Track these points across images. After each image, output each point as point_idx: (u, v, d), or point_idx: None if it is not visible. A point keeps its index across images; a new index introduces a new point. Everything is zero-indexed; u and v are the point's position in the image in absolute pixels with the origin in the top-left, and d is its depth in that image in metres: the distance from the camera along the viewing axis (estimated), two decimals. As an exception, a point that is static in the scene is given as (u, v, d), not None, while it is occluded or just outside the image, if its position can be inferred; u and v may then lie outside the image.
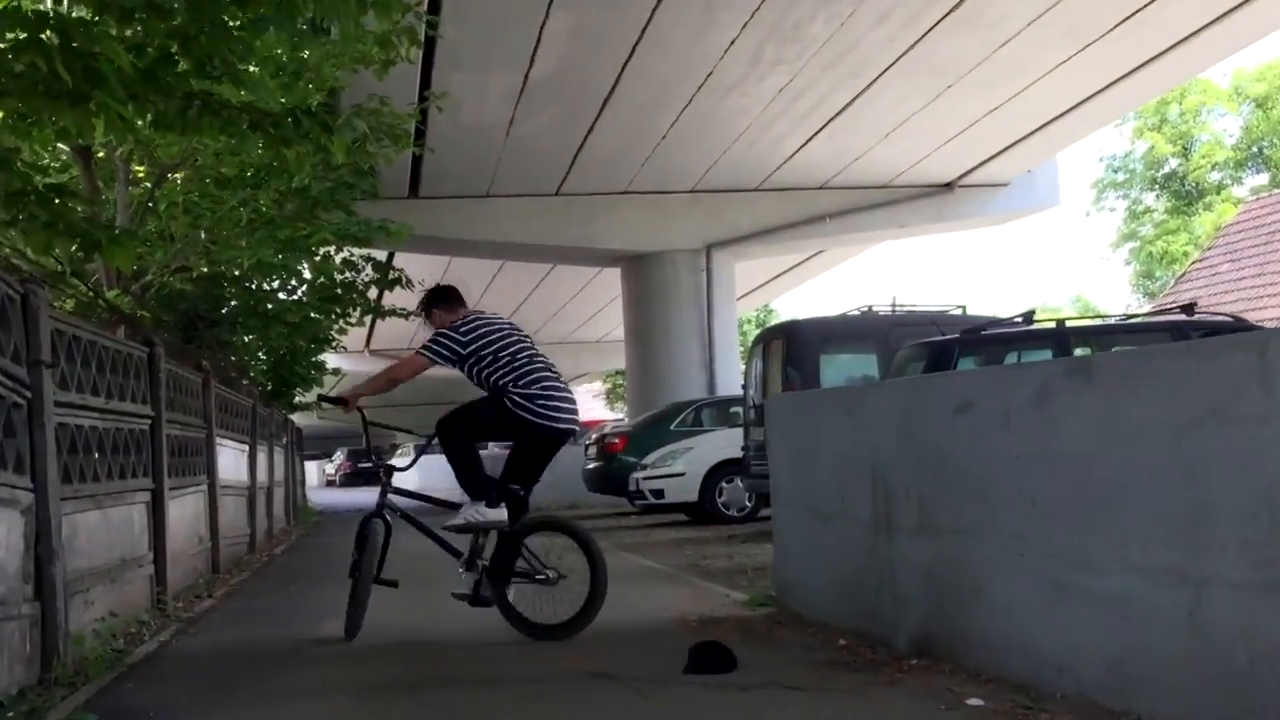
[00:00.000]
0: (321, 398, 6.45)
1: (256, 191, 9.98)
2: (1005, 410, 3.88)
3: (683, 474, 12.69)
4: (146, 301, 10.58)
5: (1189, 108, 34.15)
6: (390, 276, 13.82)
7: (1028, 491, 3.72)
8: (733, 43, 11.90)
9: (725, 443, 12.55)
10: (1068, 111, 14.67)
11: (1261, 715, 2.86)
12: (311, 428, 33.78)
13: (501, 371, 5.34)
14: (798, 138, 15.21)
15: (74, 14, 4.87)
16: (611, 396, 43.42)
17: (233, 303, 13.08)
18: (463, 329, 5.43)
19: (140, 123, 5.16)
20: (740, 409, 13.03)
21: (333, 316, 13.82)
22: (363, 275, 13.58)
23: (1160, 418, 3.19)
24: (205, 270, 10.98)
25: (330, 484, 46.93)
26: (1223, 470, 2.98)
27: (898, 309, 10.94)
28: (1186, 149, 34.82)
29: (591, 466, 15.20)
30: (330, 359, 19.72)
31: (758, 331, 16.56)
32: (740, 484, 12.15)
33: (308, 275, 12.86)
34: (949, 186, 17.81)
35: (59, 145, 9.06)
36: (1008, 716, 3.42)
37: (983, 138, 15.58)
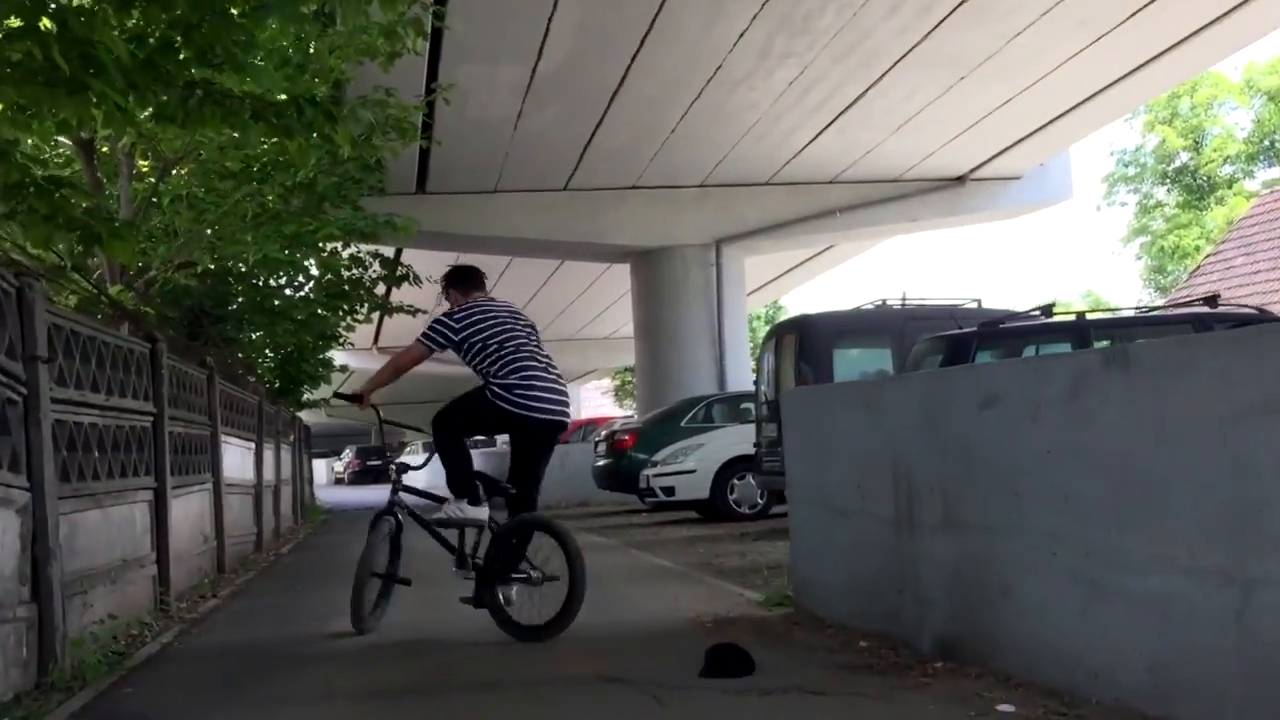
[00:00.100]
0: (337, 394, 6.44)
1: (262, 186, 9.87)
2: (1035, 403, 3.72)
3: (694, 471, 12.56)
4: (151, 297, 10.47)
5: (1200, 101, 33.92)
6: (398, 273, 13.69)
7: (1060, 487, 3.56)
8: (742, 35, 11.77)
9: (737, 439, 12.42)
10: (1080, 104, 14.52)
11: (1315, 723, 2.71)
12: (320, 425, 33.74)
13: (488, 361, 5.26)
14: (808, 131, 15.06)
15: (72, 1, 4.76)
16: (620, 393, 43.30)
17: (239, 299, 12.99)
18: (457, 316, 5.38)
19: (141, 115, 5.05)
20: (751, 405, 12.92)
21: (340, 313, 13.71)
22: (370, 271, 13.47)
23: (1204, 410, 3.03)
24: (210, 266, 10.86)
25: (339, 482, 47.08)
26: (1273, 465, 2.82)
27: (907, 303, 10.79)
28: (1198, 143, 34.59)
29: (601, 464, 15.11)
30: (338, 356, 19.63)
31: (768, 327, 16.43)
32: (752, 481, 12.01)
33: (314, 271, 12.77)
34: (961, 180, 17.64)
35: (61, 139, 8.97)
36: (1041, 723, 3.27)
37: (995, 131, 15.41)
